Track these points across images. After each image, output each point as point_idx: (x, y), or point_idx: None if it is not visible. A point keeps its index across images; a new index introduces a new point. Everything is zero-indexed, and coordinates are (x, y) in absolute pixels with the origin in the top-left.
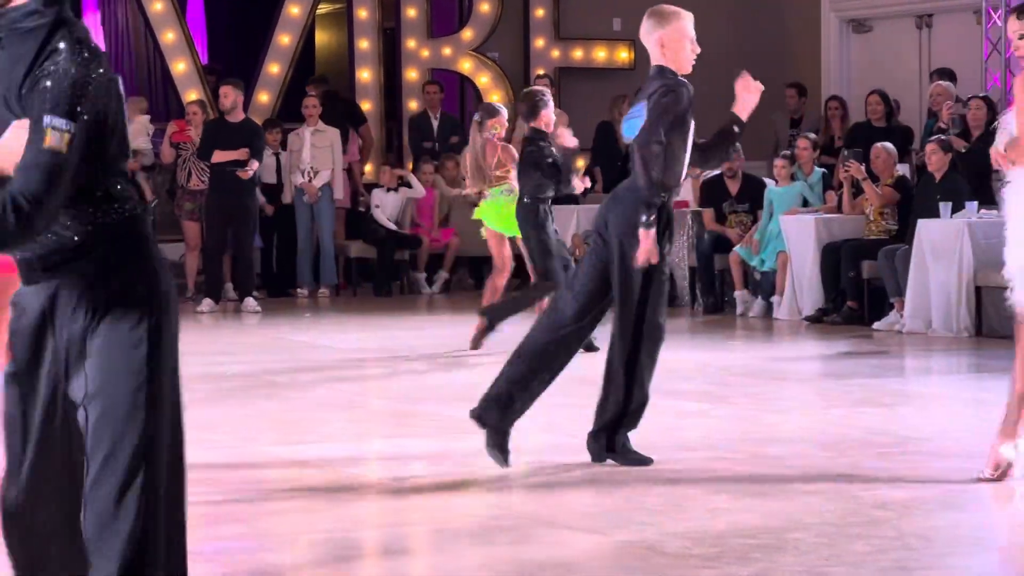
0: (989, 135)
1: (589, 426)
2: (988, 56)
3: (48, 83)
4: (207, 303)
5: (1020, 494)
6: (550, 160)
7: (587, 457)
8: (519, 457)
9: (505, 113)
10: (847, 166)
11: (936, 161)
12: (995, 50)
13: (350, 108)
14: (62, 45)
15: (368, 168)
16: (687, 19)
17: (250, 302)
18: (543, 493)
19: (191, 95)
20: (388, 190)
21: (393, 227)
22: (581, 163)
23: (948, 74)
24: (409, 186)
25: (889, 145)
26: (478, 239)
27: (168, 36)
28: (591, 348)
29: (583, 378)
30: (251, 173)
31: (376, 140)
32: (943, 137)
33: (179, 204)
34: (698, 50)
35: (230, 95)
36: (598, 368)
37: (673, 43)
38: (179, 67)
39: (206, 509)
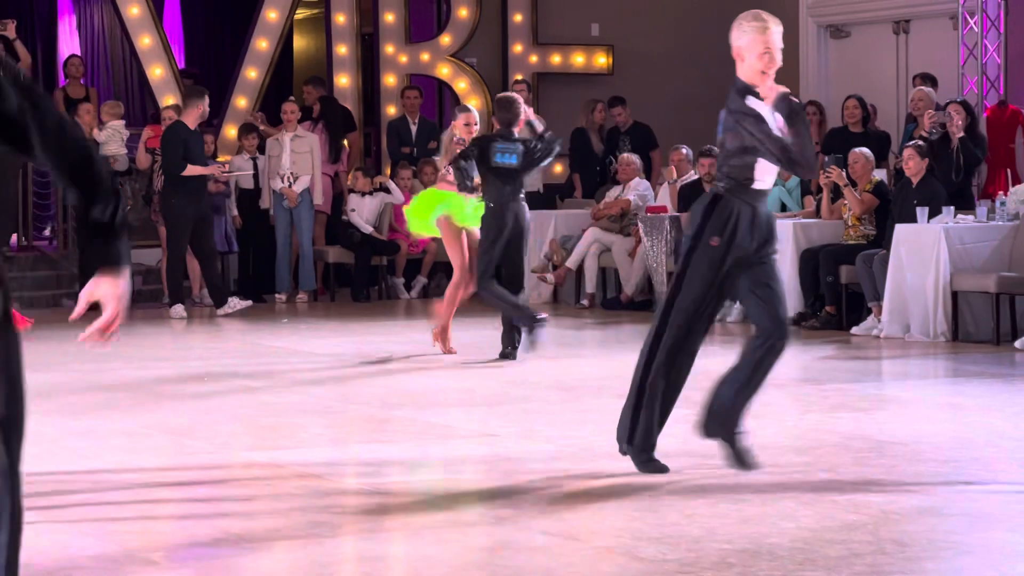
0: (971, 139)
1: (562, 433)
2: (964, 61)
3: None
4: (178, 309)
5: (994, 498)
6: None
7: (563, 464)
8: (497, 465)
9: (474, 114)
10: (828, 172)
11: (914, 166)
12: (971, 55)
13: (347, 114)
14: None
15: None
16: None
17: (234, 301)
18: (519, 499)
19: (168, 100)
20: (364, 194)
21: (370, 230)
22: (559, 168)
23: (930, 79)
24: (387, 191)
25: (867, 151)
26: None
27: (145, 41)
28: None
29: (556, 384)
30: (224, 187)
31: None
32: (920, 142)
33: (155, 209)
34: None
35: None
36: (567, 376)
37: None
38: (156, 72)
39: (182, 514)
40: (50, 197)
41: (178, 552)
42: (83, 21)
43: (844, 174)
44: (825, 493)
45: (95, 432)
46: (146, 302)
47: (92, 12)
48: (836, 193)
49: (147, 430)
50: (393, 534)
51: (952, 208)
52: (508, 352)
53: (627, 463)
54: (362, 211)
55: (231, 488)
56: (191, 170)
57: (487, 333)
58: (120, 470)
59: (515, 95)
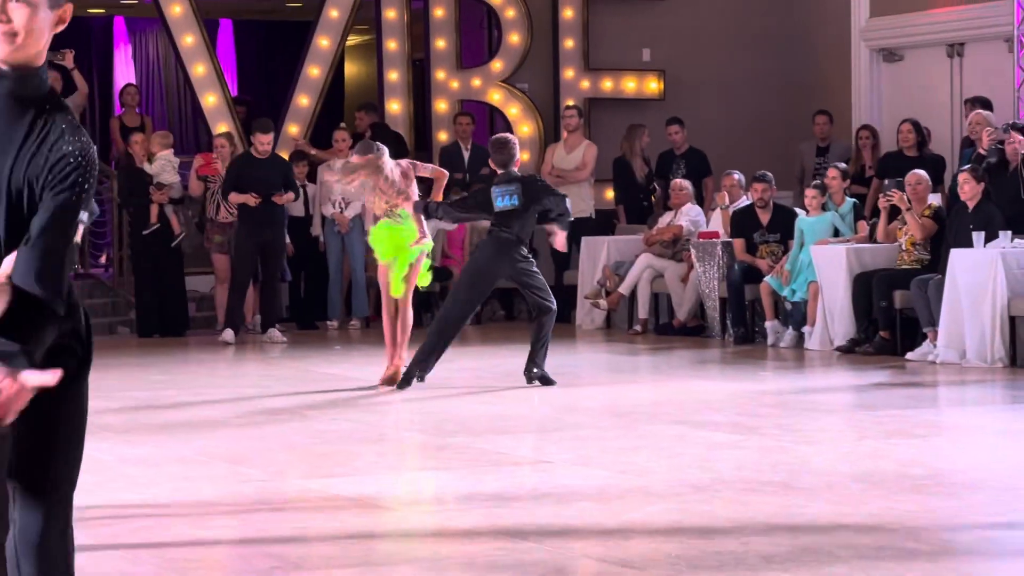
0: None
1: (616, 459)
2: (1020, 85)
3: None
4: (228, 334)
5: None
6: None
7: (617, 490)
8: (551, 492)
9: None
10: (889, 195)
11: (969, 190)
12: None
13: (399, 140)
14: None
15: None
16: None
17: (274, 333)
18: (573, 527)
19: (221, 127)
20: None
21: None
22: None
23: (983, 102)
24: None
25: (926, 174)
26: None
27: (199, 69)
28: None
29: (609, 410)
30: (283, 200)
31: None
32: (975, 165)
33: (208, 237)
34: None
35: (265, 140)
36: (620, 402)
37: None
38: (209, 100)
39: (238, 544)
40: (106, 224)
41: None
42: (138, 50)
43: (906, 198)
44: (882, 521)
45: (150, 459)
46: (200, 329)
47: (147, 41)
48: (891, 218)
49: (202, 457)
50: (448, 562)
51: (1009, 232)
52: (534, 375)
53: (681, 489)
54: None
55: (286, 516)
56: (234, 198)
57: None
58: (176, 498)
59: (509, 135)
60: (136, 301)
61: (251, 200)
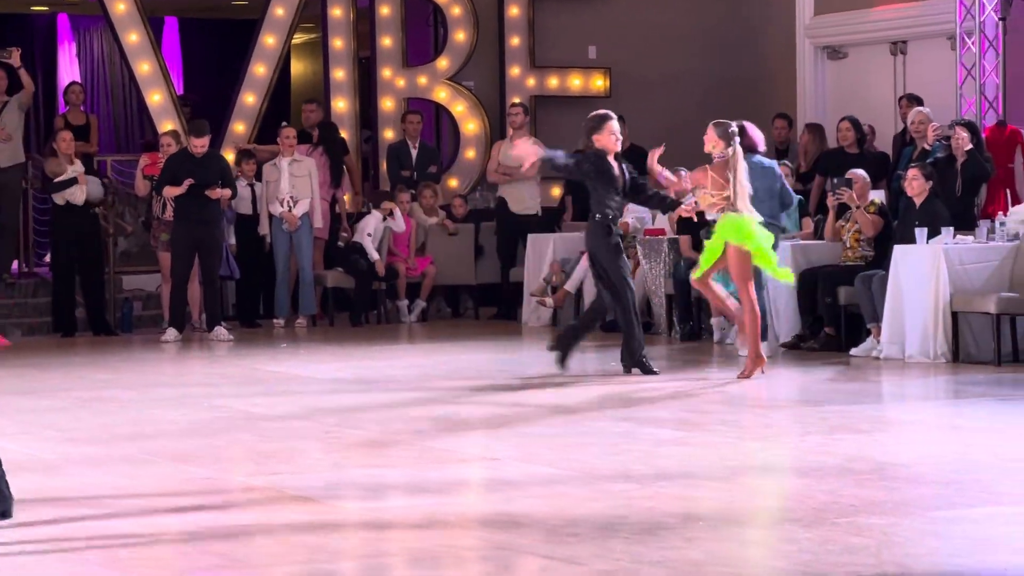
0: (971, 161)
1: (561, 456)
2: (963, 82)
3: None
4: (171, 332)
5: (997, 521)
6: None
7: (563, 487)
8: (497, 489)
9: None
10: (838, 194)
11: (918, 187)
12: (969, 76)
13: (341, 140)
14: None
15: (346, 197)
16: None
17: (220, 331)
18: (519, 524)
19: (166, 126)
20: (386, 217)
21: (376, 256)
22: (556, 192)
23: (917, 99)
24: (391, 216)
25: (863, 171)
26: (455, 267)
27: (143, 67)
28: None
29: (556, 407)
30: (217, 195)
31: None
32: (926, 163)
33: (154, 235)
34: None
35: (199, 144)
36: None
37: None
38: (154, 98)
39: (183, 542)
40: (48, 224)
41: None
42: (83, 48)
43: (854, 195)
44: (826, 516)
45: (95, 458)
46: (145, 328)
47: (92, 39)
48: (838, 215)
49: (147, 456)
50: (392, 559)
51: (952, 228)
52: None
53: (626, 485)
54: (374, 238)
55: (231, 513)
56: (168, 191)
57: (487, 357)
58: (121, 495)
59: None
60: (54, 296)
61: (184, 188)
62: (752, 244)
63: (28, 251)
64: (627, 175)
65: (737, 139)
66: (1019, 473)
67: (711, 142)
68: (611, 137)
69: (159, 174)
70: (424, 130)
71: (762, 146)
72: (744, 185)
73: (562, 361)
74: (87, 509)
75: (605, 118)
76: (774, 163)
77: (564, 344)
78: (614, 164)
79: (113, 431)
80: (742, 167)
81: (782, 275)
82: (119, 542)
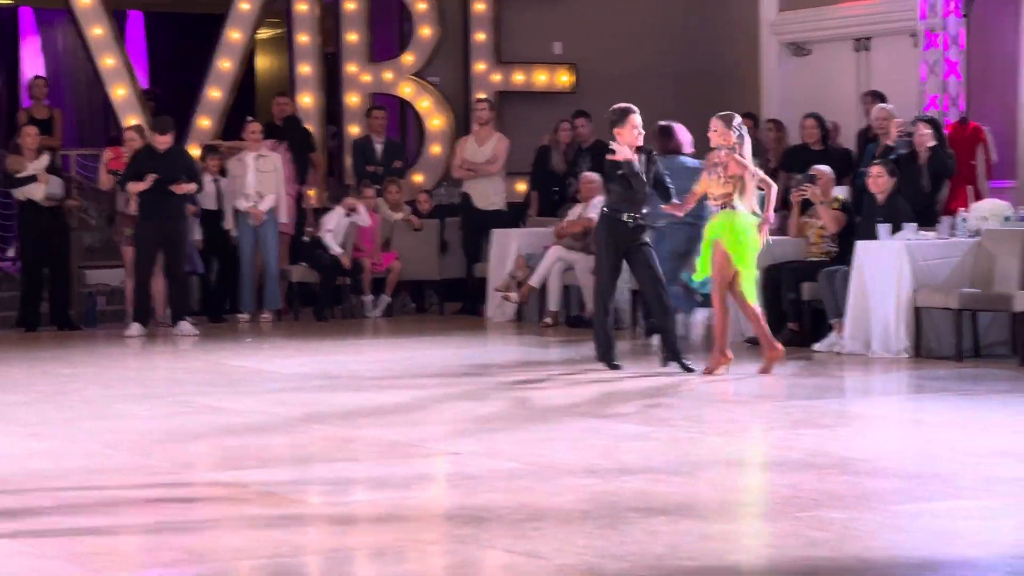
0: (934, 157)
1: (525, 450)
2: (925, 79)
3: None
4: (135, 327)
5: (956, 514)
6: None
7: (526, 482)
8: (460, 483)
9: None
10: (803, 189)
11: (883, 183)
12: (932, 73)
13: (307, 135)
14: None
15: (311, 193)
16: None
17: (184, 326)
18: (482, 518)
19: (130, 120)
20: (347, 214)
21: (340, 251)
22: (522, 187)
23: (879, 96)
24: (355, 211)
25: (828, 168)
26: (420, 263)
27: (107, 61)
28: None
29: (520, 402)
30: (182, 189)
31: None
32: (890, 159)
33: (118, 230)
34: None
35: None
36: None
37: None
38: (119, 92)
39: (145, 536)
40: (12, 219)
41: (142, 572)
42: (47, 42)
43: (818, 192)
44: (788, 510)
45: (58, 453)
46: (109, 322)
47: (55, 33)
48: (802, 211)
49: (109, 451)
50: (356, 553)
51: (914, 224)
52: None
53: (588, 480)
54: (337, 233)
55: (195, 508)
56: (132, 187)
57: (452, 352)
58: (83, 489)
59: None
60: (22, 292)
61: (148, 183)
62: (738, 250)
63: None
64: (650, 168)
65: (744, 129)
66: (979, 467)
67: (721, 135)
68: (633, 131)
69: (123, 169)
70: (389, 125)
71: (688, 147)
72: (751, 177)
73: (680, 362)
74: (49, 503)
75: (627, 112)
76: (698, 163)
77: (670, 350)
78: (634, 159)
79: (76, 426)
80: (750, 160)
81: (748, 290)
82: (81, 536)
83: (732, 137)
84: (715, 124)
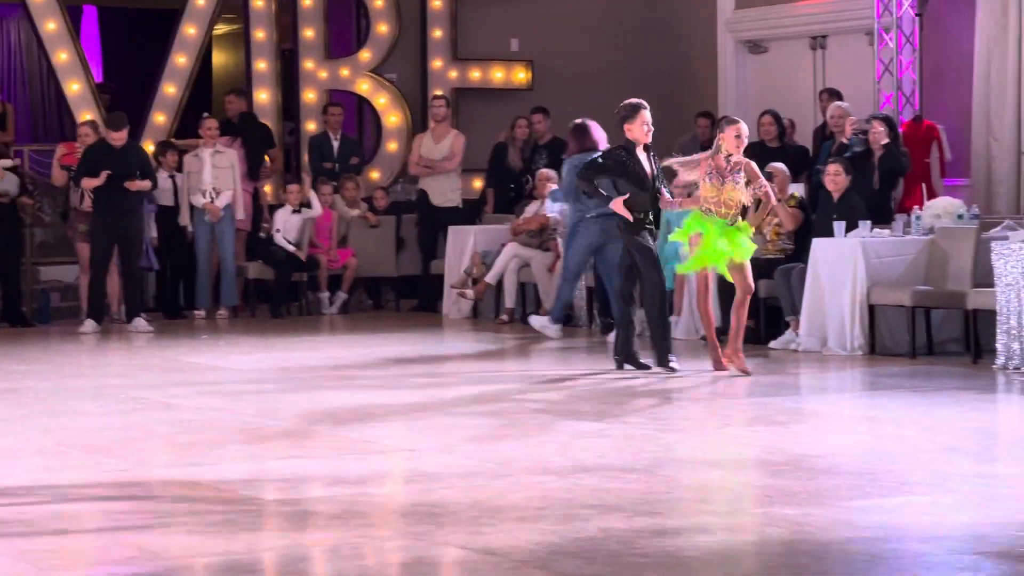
0: (888, 155)
1: (481, 447)
2: (880, 77)
3: None
4: (89, 324)
5: (908, 510)
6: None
7: (481, 479)
8: (414, 480)
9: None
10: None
11: (840, 182)
12: (887, 71)
13: (265, 131)
14: None
15: (267, 188)
16: None
17: (139, 322)
18: (436, 514)
19: (84, 116)
20: (293, 211)
21: (293, 249)
22: (478, 184)
23: (836, 94)
24: (308, 206)
25: (783, 165)
26: (376, 259)
27: (61, 56)
28: None
29: (475, 398)
30: (137, 186)
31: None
32: (846, 156)
33: (73, 226)
34: None
35: (118, 137)
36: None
37: None
38: (73, 87)
39: (98, 534)
40: None
41: (94, 571)
42: (0, 36)
43: (775, 190)
44: (741, 506)
45: (10, 450)
46: (63, 319)
47: (8, 27)
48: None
49: (62, 447)
50: (311, 550)
51: (869, 222)
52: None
53: (543, 477)
54: (288, 230)
55: (148, 505)
56: (86, 183)
57: (408, 349)
58: (35, 487)
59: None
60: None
61: (102, 179)
62: (743, 253)
63: None
64: (656, 166)
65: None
66: (931, 463)
67: (745, 139)
68: (643, 127)
69: (77, 164)
70: (346, 122)
71: (604, 145)
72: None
73: (665, 363)
74: (0, 500)
75: (638, 107)
76: None
77: (660, 350)
78: (642, 156)
79: (28, 422)
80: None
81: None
82: (31, 535)
83: (744, 144)
84: (737, 129)
